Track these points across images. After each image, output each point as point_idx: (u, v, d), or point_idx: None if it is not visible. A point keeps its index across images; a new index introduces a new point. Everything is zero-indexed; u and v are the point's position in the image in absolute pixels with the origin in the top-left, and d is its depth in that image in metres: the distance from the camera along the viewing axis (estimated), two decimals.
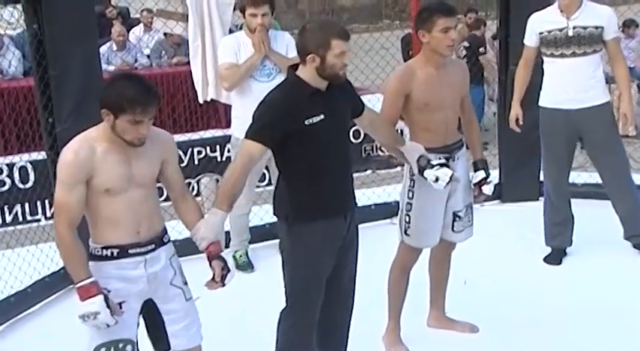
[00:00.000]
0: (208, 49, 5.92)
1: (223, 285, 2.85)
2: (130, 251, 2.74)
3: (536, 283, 4.35)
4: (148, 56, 8.86)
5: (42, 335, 4.13)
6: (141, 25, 9.78)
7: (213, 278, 2.82)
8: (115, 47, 8.60)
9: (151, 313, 2.85)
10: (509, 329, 3.81)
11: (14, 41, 8.45)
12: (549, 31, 4.34)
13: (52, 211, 6.18)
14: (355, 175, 6.90)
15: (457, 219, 3.61)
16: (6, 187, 6.57)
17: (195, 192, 6.47)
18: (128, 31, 9.34)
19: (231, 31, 6.09)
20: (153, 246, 2.79)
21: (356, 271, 3.20)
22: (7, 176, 6.52)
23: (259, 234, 5.04)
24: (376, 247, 3.92)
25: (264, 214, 5.00)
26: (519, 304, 4.09)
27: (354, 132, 7.28)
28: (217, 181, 5.98)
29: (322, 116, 2.86)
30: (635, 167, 5.80)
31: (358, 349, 3.38)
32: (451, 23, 3.33)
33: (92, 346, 2.74)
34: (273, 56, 4.47)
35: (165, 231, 2.88)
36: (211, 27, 6.00)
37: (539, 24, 4.41)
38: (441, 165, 3.29)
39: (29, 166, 6.43)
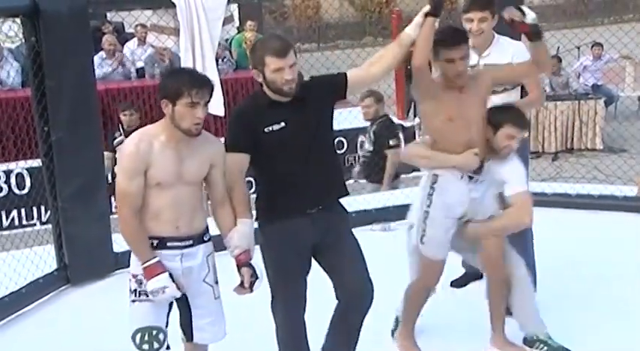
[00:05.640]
0: (198, 62, 6.14)
1: (251, 291, 2.98)
2: (168, 244, 2.90)
3: None
4: (141, 69, 9.10)
5: (35, 334, 4.20)
6: (135, 39, 9.93)
7: (242, 284, 2.96)
8: (104, 55, 8.95)
9: (182, 304, 3.01)
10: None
11: (13, 53, 8.63)
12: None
13: (48, 216, 6.34)
14: None
15: None
16: (3, 193, 6.68)
17: None
18: (122, 45, 9.57)
19: (220, 45, 6.29)
20: (191, 242, 2.93)
21: (362, 268, 3.16)
22: (5, 182, 6.62)
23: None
24: None
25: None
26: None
27: (337, 143, 7.45)
28: None
29: (283, 124, 3.03)
30: (599, 178, 6.01)
31: None
32: (456, 54, 3.26)
33: (132, 330, 2.92)
34: None
35: (206, 229, 3.00)
36: (201, 41, 6.22)
37: None
38: None
39: (25, 173, 6.54)
